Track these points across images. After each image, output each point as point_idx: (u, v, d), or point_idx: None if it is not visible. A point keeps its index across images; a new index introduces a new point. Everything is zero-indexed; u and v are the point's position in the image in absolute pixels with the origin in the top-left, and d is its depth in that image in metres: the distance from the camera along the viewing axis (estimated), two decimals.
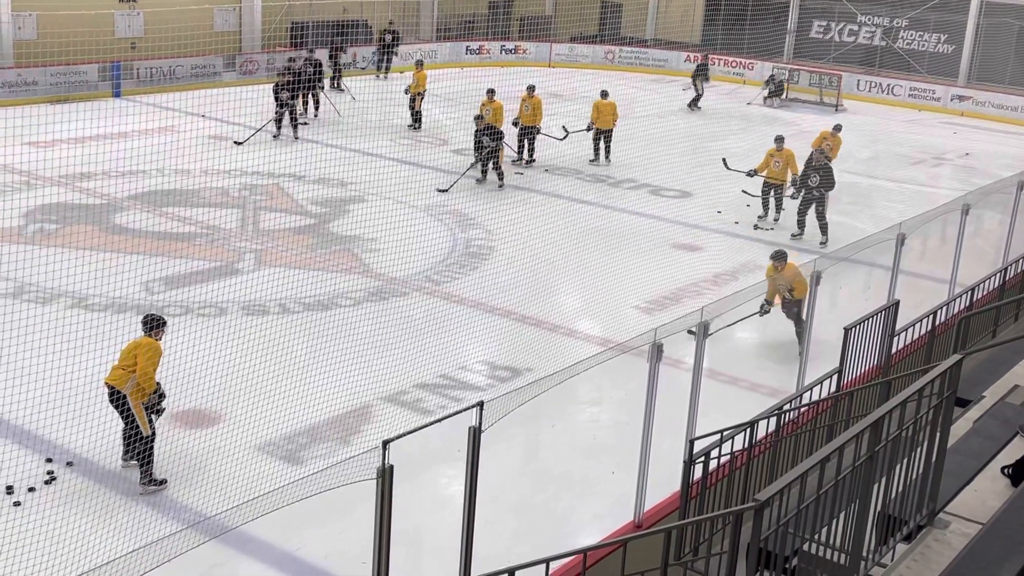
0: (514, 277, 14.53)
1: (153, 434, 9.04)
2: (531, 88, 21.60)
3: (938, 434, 5.93)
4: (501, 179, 19.67)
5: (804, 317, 11.83)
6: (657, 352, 8.34)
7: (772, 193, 18.24)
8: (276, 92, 22.34)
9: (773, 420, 7.93)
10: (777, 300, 12.67)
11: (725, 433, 7.40)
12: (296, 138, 22.30)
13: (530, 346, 12.34)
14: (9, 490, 8.79)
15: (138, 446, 8.99)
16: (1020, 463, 6.66)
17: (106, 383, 9.07)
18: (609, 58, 36.90)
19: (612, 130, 22.15)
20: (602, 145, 22.25)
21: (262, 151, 20.67)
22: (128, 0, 28.08)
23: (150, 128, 21.84)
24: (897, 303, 10.24)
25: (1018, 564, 5.59)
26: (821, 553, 5.52)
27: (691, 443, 7.41)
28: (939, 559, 5.72)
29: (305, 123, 23.98)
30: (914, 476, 5.87)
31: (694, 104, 29.63)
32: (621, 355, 8.94)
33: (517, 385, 9.83)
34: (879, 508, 5.66)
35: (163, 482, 9.09)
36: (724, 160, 19.09)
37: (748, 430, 7.42)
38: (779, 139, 18.36)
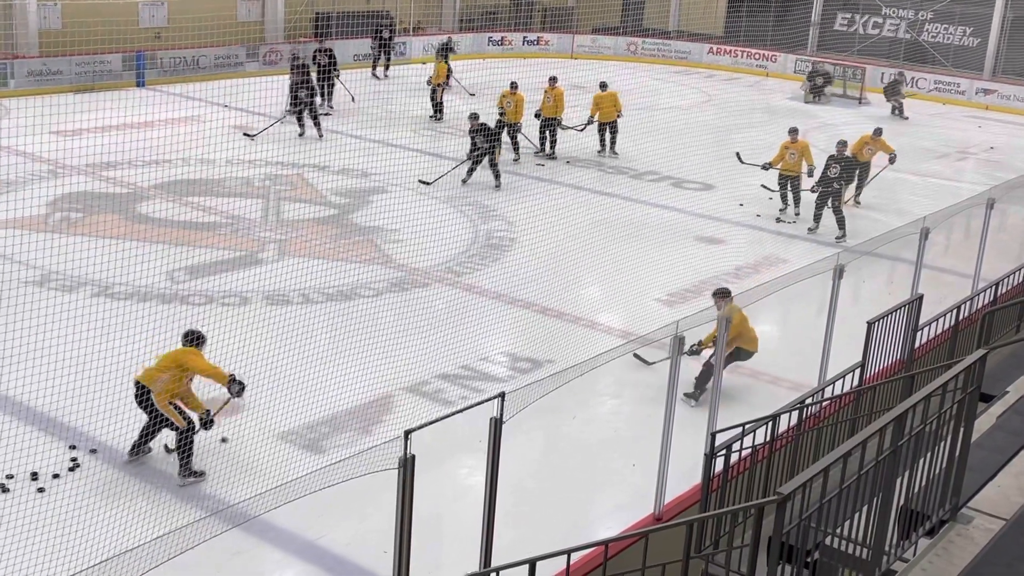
0: (535, 269, 14.52)
1: (190, 426, 9.09)
2: (553, 79, 21.58)
3: (962, 429, 5.91)
4: (497, 179, 18.87)
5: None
6: (679, 344, 8.33)
7: (789, 185, 18.15)
8: (293, 91, 22.26)
9: (795, 414, 7.92)
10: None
11: (747, 426, 7.39)
12: (320, 136, 22.13)
13: (551, 338, 12.34)
14: (34, 476, 8.86)
15: (176, 439, 9.04)
16: None
17: (135, 380, 9.08)
18: (631, 50, 36.79)
19: (616, 122, 21.98)
20: (607, 137, 22.12)
21: (286, 142, 20.72)
22: None
23: (174, 118, 21.92)
24: (921, 297, 10.20)
25: None
26: (842, 547, 5.51)
27: (713, 436, 7.41)
28: (962, 554, 5.70)
29: (327, 114, 24.02)
30: (937, 471, 5.85)
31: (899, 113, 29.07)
32: (642, 347, 8.94)
33: (538, 376, 9.83)
34: (902, 503, 5.65)
35: (202, 474, 9.12)
36: (738, 154, 18.99)
37: (770, 423, 7.41)
38: (793, 131, 18.25)
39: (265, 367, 10.59)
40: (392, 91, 27.17)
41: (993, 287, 11.87)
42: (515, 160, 20.56)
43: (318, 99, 23.34)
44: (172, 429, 9.10)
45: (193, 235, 15.34)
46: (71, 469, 9.11)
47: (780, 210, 18.24)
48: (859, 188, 19.03)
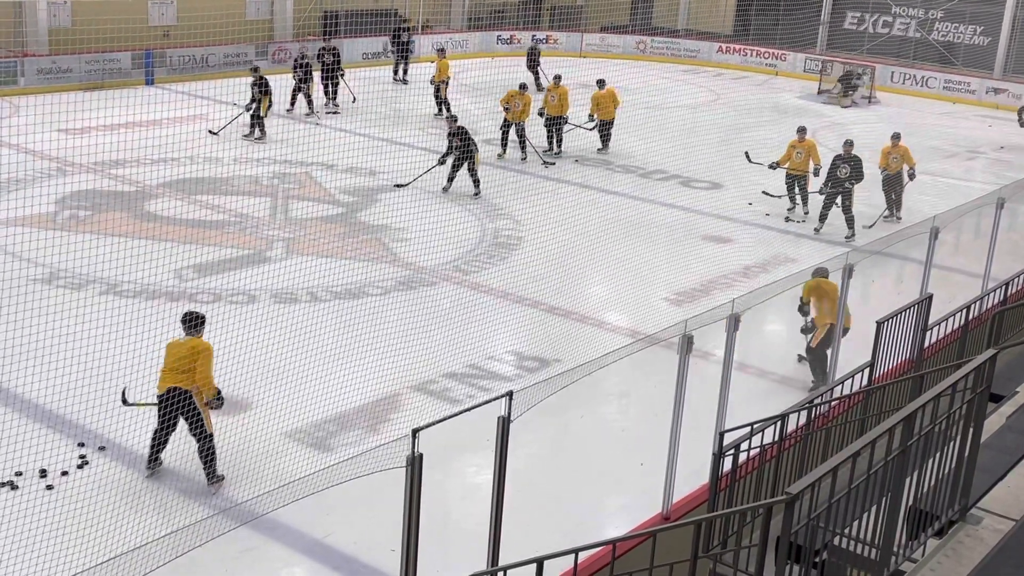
0: (543, 267, 14.51)
1: (212, 432, 9.07)
2: (557, 78, 21.55)
3: (971, 429, 5.88)
4: (477, 187, 18.10)
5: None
6: (687, 344, 8.31)
7: (796, 185, 18.12)
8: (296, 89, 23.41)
9: (804, 413, 7.89)
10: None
11: (755, 426, 7.36)
12: (310, 112, 23.20)
13: (559, 337, 12.33)
14: (43, 474, 8.88)
15: (201, 445, 8.98)
16: None
17: (170, 387, 8.90)
18: (640, 48, 36.75)
19: (613, 120, 21.98)
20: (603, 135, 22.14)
21: (293, 140, 20.74)
22: None
23: (182, 116, 21.96)
24: (930, 297, 10.16)
25: None
26: (851, 547, 5.49)
27: (721, 435, 7.38)
28: (971, 555, 5.67)
29: (337, 112, 24.09)
30: (946, 471, 5.82)
31: None
32: (651, 347, 8.92)
33: (546, 376, 9.83)
34: (911, 503, 5.62)
35: (222, 477, 9.10)
36: (747, 153, 18.96)
37: (779, 423, 7.38)
38: (801, 129, 18.22)
39: (272, 365, 10.60)
40: (400, 89, 27.20)
41: (1003, 287, 11.82)
42: (523, 160, 20.55)
43: (312, 88, 23.78)
44: (199, 435, 8.97)
45: (201, 233, 15.36)
46: (80, 466, 9.13)
47: (789, 209, 18.21)
48: (898, 204, 18.47)
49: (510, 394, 6.82)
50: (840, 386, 9.07)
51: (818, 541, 5.24)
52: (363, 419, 10.29)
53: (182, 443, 9.36)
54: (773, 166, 18.20)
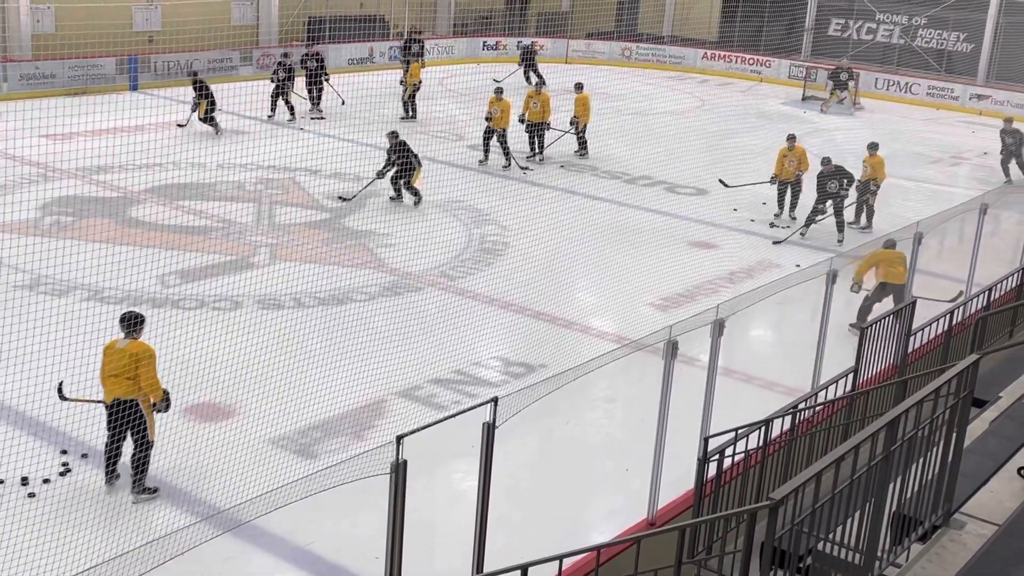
0: (529, 273, 14.51)
1: (153, 442, 8.91)
2: (539, 84, 21.53)
3: (954, 434, 5.90)
4: (417, 196, 17.77)
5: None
6: (672, 349, 8.32)
7: (789, 191, 18.18)
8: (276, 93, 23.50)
9: (788, 419, 7.90)
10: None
11: (740, 431, 7.37)
12: (292, 119, 23.30)
13: (544, 342, 12.33)
14: (24, 481, 8.82)
15: (139, 454, 8.79)
16: None
17: (116, 399, 8.74)
18: (626, 55, 36.83)
19: (586, 124, 21.96)
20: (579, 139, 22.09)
21: (277, 145, 20.69)
22: None
23: (167, 121, 21.89)
24: (914, 302, 10.19)
25: None
26: (835, 552, 5.50)
27: (705, 441, 7.39)
28: (954, 560, 5.69)
29: (322, 118, 24.08)
30: (930, 476, 5.84)
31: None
32: (636, 352, 8.93)
33: (531, 381, 9.81)
34: (894, 508, 5.64)
35: (156, 490, 8.93)
36: (721, 180, 18.77)
37: (763, 428, 7.39)
38: (791, 137, 18.28)
39: (257, 371, 10.56)
40: (385, 95, 27.15)
41: (986, 292, 11.87)
42: (505, 167, 20.49)
43: (291, 94, 23.84)
44: (140, 443, 8.79)
45: (185, 239, 15.30)
46: (62, 474, 9.07)
47: (775, 215, 18.25)
48: (869, 214, 18.39)
49: (495, 400, 6.81)
50: (824, 391, 9.09)
51: (802, 546, 5.24)
52: (348, 426, 10.26)
53: (167, 452, 9.33)
54: (773, 180, 18.18)
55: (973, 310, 11.66)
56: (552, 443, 10.57)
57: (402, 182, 17.80)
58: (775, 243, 17.09)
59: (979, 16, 34.38)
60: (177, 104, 23.98)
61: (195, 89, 21.59)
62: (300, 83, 24.40)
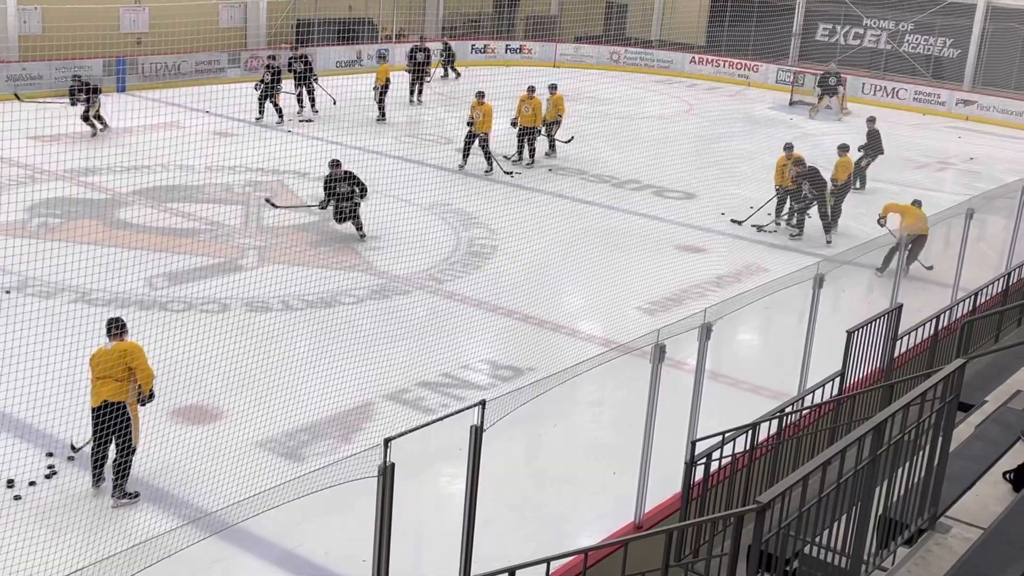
0: (517, 276, 14.52)
1: (136, 448, 8.90)
2: (531, 89, 21.49)
3: (940, 438, 5.93)
4: (360, 230, 16.15)
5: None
6: (660, 353, 8.34)
7: (790, 199, 18.12)
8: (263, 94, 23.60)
9: (775, 422, 7.93)
10: None
11: (727, 435, 7.39)
12: (280, 121, 23.37)
13: (532, 346, 12.34)
14: (10, 484, 8.79)
15: (121, 458, 8.76)
16: (1022, 468, 6.65)
17: (104, 401, 8.72)
18: (614, 59, 36.90)
19: (558, 124, 22.02)
20: (547, 139, 22.11)
21: (265, 147, 20.66)
22: None
23: (154, 123, 21.84)
24: (900, 307, 10.23)
25: (1019, 569, 5.58)
26: (822, 556, 5.52)
27: (693, 444, 7.41)
28: (940, 563, 5.71)
29: (310, 120, 24.08)
30: (916, 480, 5.86)
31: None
32: (623, 356, 8.94)
33: (519, 384, 9.82)
34: (880, 512, 5.66)
35: (136, 495, 8.89)
36: (734, 220, 18.37)
37: (750, 432, 7.41)
38: (788, 146, 18.21)
39: (245, 374, 10.54)
40: (416, 109, 27.10)
41: (972, 297, 11.93)
42: (487, 171, 20.45)
43: (279, 96, 23.88)
44: (123, 446, 8.76)
45: (173, 241, 15.27)
46: (48, 476, 9.04)
47: (775, 223, 18.14)
48: (835, 216, 18.34)
49: (483, 403, 6.82)
50: (811, 395, 9.12)
51: (789, 550, 5.26)
52: (335, 428, 10.24)
53: (153, 454, 9.31)
54: (778, 191, 18.14)
55: (959, 315, 11.72)
56: (540, 446, 10.58)
57: (352, 214, 16.05)
58: (734, 221, 17.86)
59: (966, 22, 34.55)
60: (166, 107, 23.95)
61: (80, 92, 21.50)
62: (288, 85, 24.38)
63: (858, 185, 20.95)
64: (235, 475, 9.11)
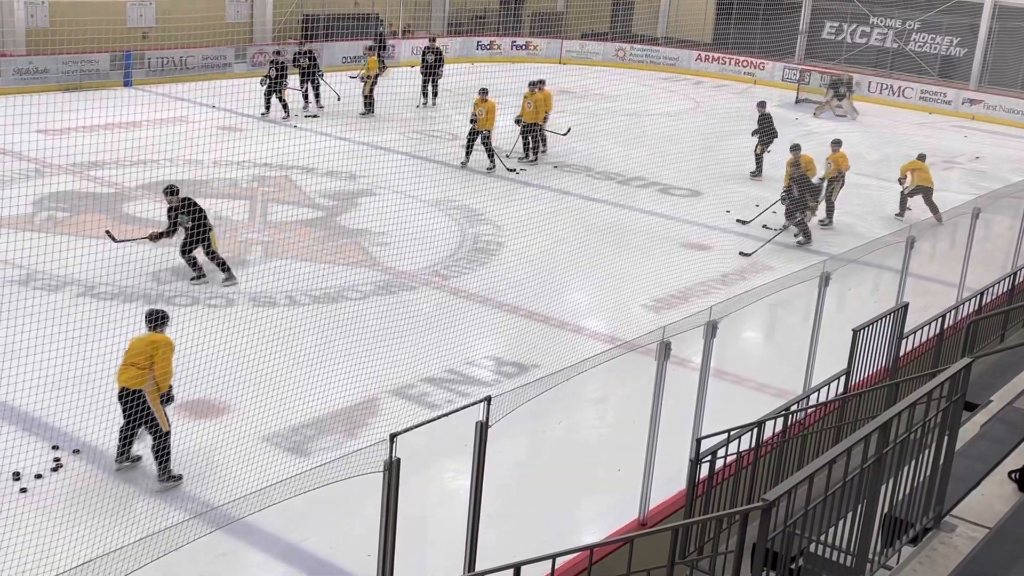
0: (522, 273, 14.52)
1: (169, 430, 9.06)
2: (533, 84, 21.37)
3: (946, 437, 5.93)
4: (227, 274, 13.58)
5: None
6: (665, 350, 8.34)
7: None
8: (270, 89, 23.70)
9: (780, 420, 7.93)
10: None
11: (732, 433, 7.39)
12: (286, 116, 23.41)
13: (537, 342, 12.34)
14: (16, 476, 8.81)
15: (156, 443, 8.97)
16: None
17: (123, 388, 8.93)
18: (620, 56, 36.87)
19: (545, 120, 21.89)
20: (530, 138, 21.86)
21: (272, 142, 20.69)
22: None
23: (161, 118, 21.87)
24: (906, 306, 10.23)
25: None
26: (827, 554, 5.52)
27: (698, 442, 7.41)
28: (945, 562, 5.72)
29: (316, 115, 24.11)
30: (921, 479, 5.86)
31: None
32: (629, 353, 8.94)
33: (524, 381, 9.82)
34: (886, 510, 5.66)
35: (179, 477, 9.07)
36: (740, 220, 18.37)
37: (755, 430, 7.41)
38: (795, 147, 18.14)
39: (250, 369, 10.56)
40: (380, 94, 27.14)
41: (978, 296, 11.92)
42: (490, 168, 20.43)
43: (286, 92, 23.90)
44: (153, 432, 8.96)
45: (179, 236, 15.25)
46: (54, 469, 9.06)
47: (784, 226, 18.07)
48: (829, 209, 18.59)
49: (488, 399, 6.83)
50: (816, 393, 9.12)
51: (794, 548, 5.27)
52: (341, 423, 10.26)
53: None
54: (784, 194, 18.03)
55: (965, 314, 11.71)
56: (545, 443, 10.59)
57: (198, 250, 13.63)
58: (740, 221, 17.85)
59: (972, 21, 34.49)
60: (172, 101, 24.02)
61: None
62: (294, 81, 24.40)
63: (756, 172, 21.45)
64: (241, 469, 9.13)
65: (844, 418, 8.68)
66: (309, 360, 11.19)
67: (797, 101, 31.56)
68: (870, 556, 5.57)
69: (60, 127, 19.07)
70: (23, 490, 8.70)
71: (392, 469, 6.33)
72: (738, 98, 32.14)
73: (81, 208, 16.15)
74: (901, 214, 19.05)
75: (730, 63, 36.20)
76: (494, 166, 20.43)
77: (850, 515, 5.41)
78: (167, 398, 9.10)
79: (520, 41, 36.35)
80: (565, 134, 21.69)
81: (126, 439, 9.10)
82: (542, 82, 21.78)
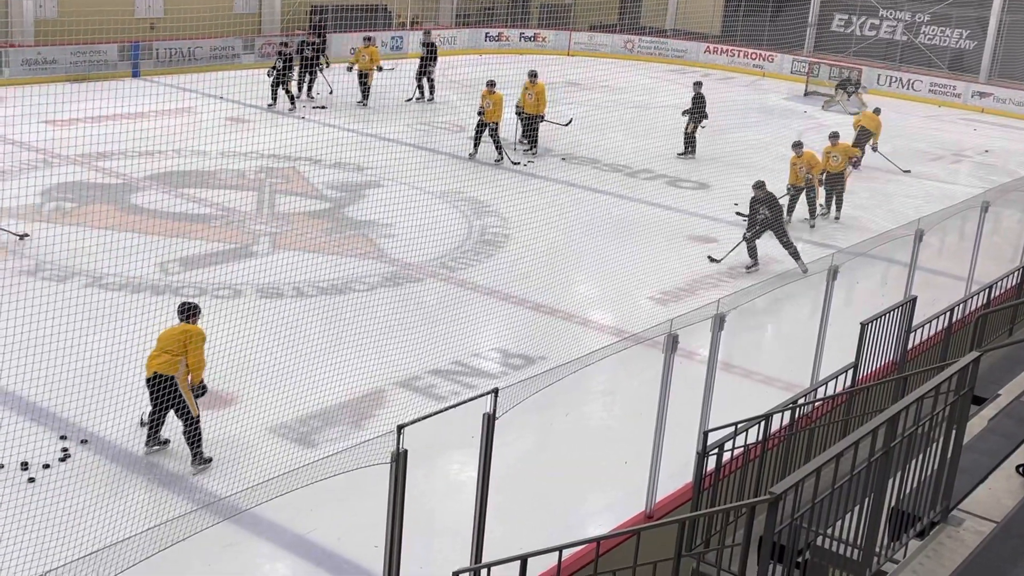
0: (529, 265, 14.52)
1: (199, 415, 9.17)
2: (533, 75, 21.21)
3: (953, 431, 5.91)
4: None
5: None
6: (672, 343, 8.33)
7: (802, 197, 17.95)
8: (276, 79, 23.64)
9: (788, 414, 7.92)
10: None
11: (739, 426, 7.39)
12: (292, 108, 23.34)
13: (544, 335, 12.34)
14: (24, 466, 8.84)
15: (187, 428, 9.08)
16: None
17: (153, 371, 9.03)
18: (628, 48, 36.79)
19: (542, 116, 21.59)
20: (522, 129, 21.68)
21: (280, 134, 20.69)
22: None
23: (168, 109, 21.88)
24: (914, 299, 10.20)
25: None
26: (834, 548, 5.51)
27: (705, 435, 7.40)
28: (952, 556, 5.71)
29: (324, 107, 24.10)
30: (929, 473, 5.85)
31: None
32: (636, 346, 8.94)
33: (531, 373, 9.83)
34: (893, 504, 5.65)
35: (210, 459, 9.20)
36: (739, 213, 17.79)
37: (763, 423, 7.41)
38: (797, 145, 18.00)
39: (257, 360, 10.57)
40: (387, 86, 27.11)
41: (986, 290, 11.88)
42: (497, 160, 20.36)
43: (293, 83, 23.94)
44: (184, 418, 9.07)
45: (186, 227, 15.30)
46: (62, 459, 9.09)
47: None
48: (838, 203, 18.47)
49: (495, 391, 6.83)
50: (824, 387, 9.11)
51: (801, 541, 5.26)
52: (348, 415, 10.27)
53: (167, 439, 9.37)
54: (789, 189, 17.92)
55: (973, 307, 11.67)
56: (551, 435, 10.59)
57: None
58: (739, 215, 16.99)
59: (983, 13, 34.36)
60: (180, 92, 24.00)
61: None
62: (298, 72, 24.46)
63: (689, 150, 21.86)
64: (248, 460, 9.16)
65: (852, 411, 8.67)
66: (316, 351, 11.20)
67: (806, 94, 31.48)
68: (877, 550, 5.57)
69: (68, 118, 19.06)
70: (31, 480, 8.73)
71: (399, 460, 6.33)
72: (746, 90, 32.07)
73: (89, 199, 16.17)
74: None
75: (739, 55, 36.10)
76: (502, 158, 20.39)
77: (857, 508, 5.40)
78: (201, 389, 9.21)
79: (528, 33, 36.28)
80: (567, 124, 21.61)
81: (156, 424, 9.22)
82: (535, 74, 21.65)
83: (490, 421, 6.91)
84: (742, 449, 7.40)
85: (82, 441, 9.35)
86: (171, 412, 9.18)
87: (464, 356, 11.74)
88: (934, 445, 5.86)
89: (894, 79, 33.66)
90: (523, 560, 6.04)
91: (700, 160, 21.04)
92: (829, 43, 37.05)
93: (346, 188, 18.06)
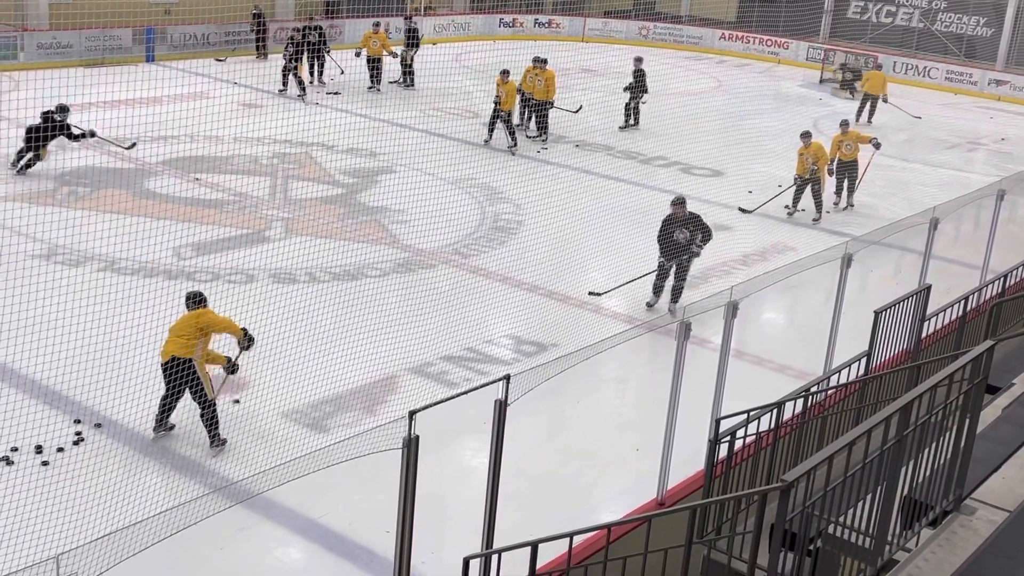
0: (542, 252, 14.49)
1: (215, 398, 9.25)
2: (543, 61, 21.02)
3: (967, 420, 5.89)
4: None
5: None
6: (685, 330, 8.31)
7: (809, 188, 17.83)
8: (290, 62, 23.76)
9: (800, 402, 7.90)
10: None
11: (751, 413, 7.37)
12: (302, 94, 23.32)
13: (557, 321, 12.33)
14: (38, 450, 8.89)
15: (204, 411, 9.17)
16: None
17: (170, 355, 9.09)
18: (643, 34, 36.65)
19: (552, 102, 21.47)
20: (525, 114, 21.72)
21: (293, 120, 20.69)
22: None
23: (182, 94, 21.90)
24: (929, 287, 10.16)
25: None
26: (845, 536, 5.50)
27: (717, 422, 7.40)
28: (964, 545, 5.69)
29: (338, 92, 24.10)
30: (942, 461, 5.84)
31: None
32: (648, 333, 8.93)
33: (543, 360, 9.82)
34: (905, 492, 5.64)
35: (225, 441, 9.28)
36: (741, 208, 17.92)
37: (775, 411, 7.39)
38: (806, 135, 17.88)
39: (270, 345, 10.60)
40: (400, 71, 27.08)
41: (1001, 279, 11.82)
42: (511, 147, 20.26)
43: (303, 69, 23.98)
44: (200, 400, 9.14)
45: (200, 212, 15.32)
46: (76, 443, 9.13)
47: (785, 207, 17.92)
48: (851, 191, 18.44)
49: (507, 378, 6.83)
50: (837, 375, 9.08)
51: (812, 529, 5.25)
52: (360, 400, 10.29)
53: (179, 423, 9.40)
54: (796, 180, 17.77)
55: (988, 296, 11.62)
56: (563, 422, 10.59)
57: None
58: (742, 210, 17.02)
59: (999, 0, 34.10)
60: (194, 77, 24.05)
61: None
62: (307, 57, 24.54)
63: (632, 122, 22.74)
64: (260, 445, 9.19)
65: (864, 400, 8.64)
66: (328, 337, 11.21)
67: (821, 81, 31.30)
68: (889, 538, 5.55)
69: (82, 102, 19.09)
70: (45, 463, 8.77)
71: (411, 446, 6.34)
72: (761, 77, 31.93)
73: (103, 184, 16.21)
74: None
75: (754, 42, 35.93)
76: (515, 145, 20.33)
77: (869, 497, 5.39)
78: (246, 343, 9.39)
79: (543, 19, 36.18)
80: (576, 111, 21.53)
81: (166, 408, 9.28)
82: (544, 61, 21.57)
83: (502, 407, 6.91)
84: (754, 437, 7.38)
85: (96, 425, 9.39)
86: (184, 397, 9.21)
87: (476, 343, 11.74)
88: (947, 434, 5.84)
89: (910, 66, 33.46)
90: (534, 546, 6.05)
91: (715, 148, 20.93)
92: (845, 30, 36.86)
93: (359, 174, 18.06)
